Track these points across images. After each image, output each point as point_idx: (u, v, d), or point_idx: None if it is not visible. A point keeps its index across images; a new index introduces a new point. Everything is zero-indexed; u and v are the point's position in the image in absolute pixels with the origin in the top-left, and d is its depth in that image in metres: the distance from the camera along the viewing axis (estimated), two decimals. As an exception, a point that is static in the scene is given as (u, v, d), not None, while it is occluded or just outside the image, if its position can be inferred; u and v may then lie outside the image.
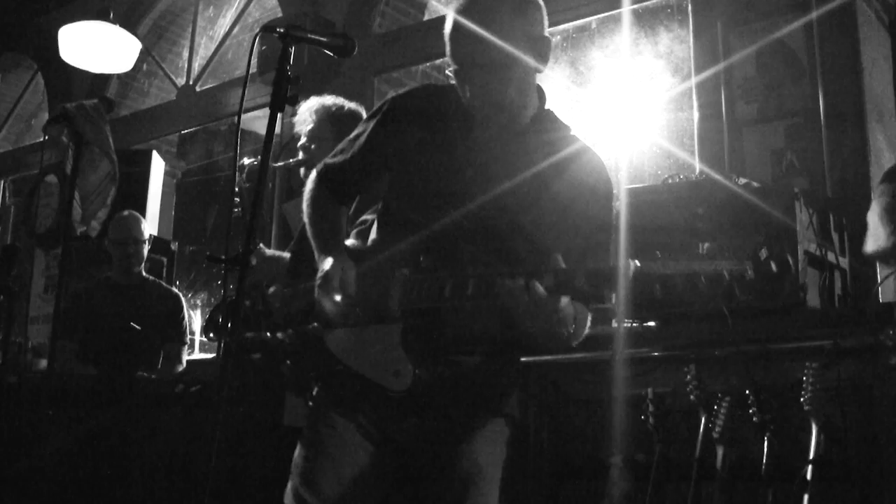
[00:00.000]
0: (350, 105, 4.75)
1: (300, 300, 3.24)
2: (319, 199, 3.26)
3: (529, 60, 2.86)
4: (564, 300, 2.55)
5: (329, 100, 4.68)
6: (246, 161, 5.17)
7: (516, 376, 3.05)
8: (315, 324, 3.14)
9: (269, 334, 3.44)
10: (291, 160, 4.87)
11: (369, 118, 3.21)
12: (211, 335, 5.54)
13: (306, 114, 4.69)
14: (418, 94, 3.18)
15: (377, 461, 2.98)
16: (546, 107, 3.06)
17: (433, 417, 2.91)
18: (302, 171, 4.63)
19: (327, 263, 3.00)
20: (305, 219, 3.27)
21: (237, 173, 5.03)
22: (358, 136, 3.20)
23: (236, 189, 5.23)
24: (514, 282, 2.54)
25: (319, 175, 3.28)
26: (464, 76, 2.88)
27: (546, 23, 2.95)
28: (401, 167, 3.10)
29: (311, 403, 3.12)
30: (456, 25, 2.87)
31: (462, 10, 2.86)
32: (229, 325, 5.08)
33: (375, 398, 2.93)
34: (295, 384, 3.26)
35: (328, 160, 3.27)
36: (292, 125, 4.83)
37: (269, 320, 4.24)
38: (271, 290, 3.54)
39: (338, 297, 2.93)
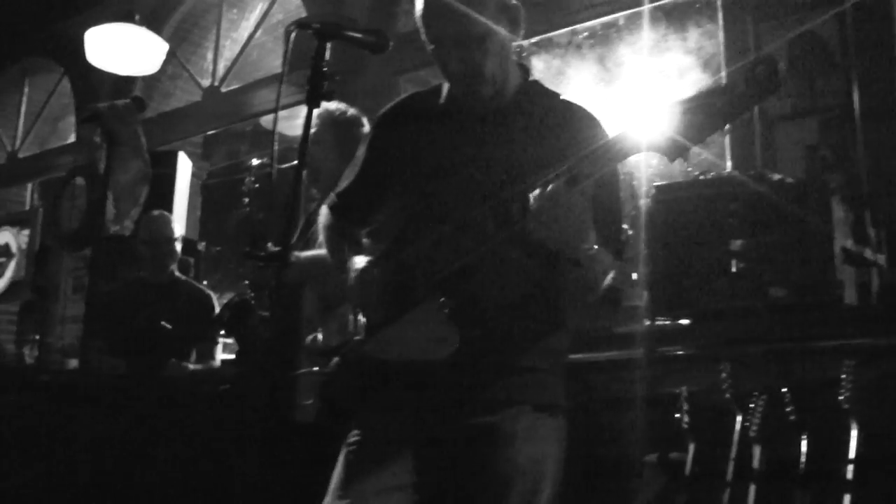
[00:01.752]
0: (352, 110, 4.80)
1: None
2: (334, 228, 3.34)
3: (503, 30, 2.89)
4: (580, 198, 2.57)
5: (331, 104, 4.68)
6: (254, 162, 5.20)
7: (557, 363, 3.03)
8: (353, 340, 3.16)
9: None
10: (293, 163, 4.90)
11: (364, 140, 3.28)
12: (222, 332, 5.57)
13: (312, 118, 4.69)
14: (404, 102, 3.24)
15: (416, 465, 2.95)
16: (531, 79, 3.10)
17: (469, 411, 2.88)
18: (273, 171, 4.65)
19: (358, 262, 3.06)
20: (326, 248, 3.36)
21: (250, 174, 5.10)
22: (357, 159, 3.27)
23: (245, 189, 5.26)
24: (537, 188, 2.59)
25: (329, 206, 3.35)
26: (441, 54, 2.91)
27: None
28: (407, 175, 3.11)
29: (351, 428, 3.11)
30: (427, 5, 2.90)
31: None
32: (237, 322, 5.13)
33: (418, 394, 2.92)
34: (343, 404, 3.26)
35: (336, 190, 3.34)
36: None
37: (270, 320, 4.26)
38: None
39: (371, 291, 2.99)
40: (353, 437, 3.05)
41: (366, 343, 3.10)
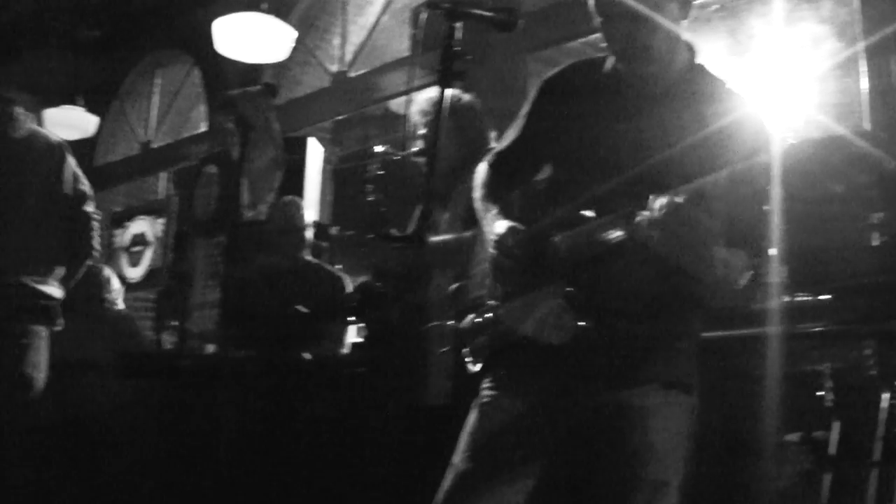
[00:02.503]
0: (468, 96, 4.82)
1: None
2: (489, 184, 3.33)
3: (673, 8, 2.86)
4: (706, 219, 2.54)
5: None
6: (378, 149, 5.20)
7: (689, 340, 3.01)
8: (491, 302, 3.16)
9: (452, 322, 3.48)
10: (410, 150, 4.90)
11: (526, 104, 3.27)
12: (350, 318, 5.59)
13: (427, 104, 4.68)
14: (567, 70, 3.24)
15: (544, 439, 2.96)
16: (697, 62, 3.05)
17: (600, 388, 2.89)
18: (422, 160, 4.63)
19: (500, 226, 3.06)
20: (476, 203, 3.33)
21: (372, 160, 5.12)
22: (519, 120, 3.28)
23: (368, 175, 5.27)
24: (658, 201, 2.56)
25: (488, 163, 3.36)
26: (609, 28, 2.91)
27: None
28: (562, 142, 3.11)
29: (482, 386, 3.13)
30: None
31: None
32: (365, 307, 5.15)
33: (546, 368, 2.95)
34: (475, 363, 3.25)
35: (495, 149, 3.38)
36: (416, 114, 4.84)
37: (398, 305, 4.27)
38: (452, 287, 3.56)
39: (510, 257, 2.99)
40: (487, 393, 3.09)
41: (499, 308, 3.12)
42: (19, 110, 4.94)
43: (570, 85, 3.17)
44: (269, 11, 8.39)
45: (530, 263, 2.98)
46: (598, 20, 2.93)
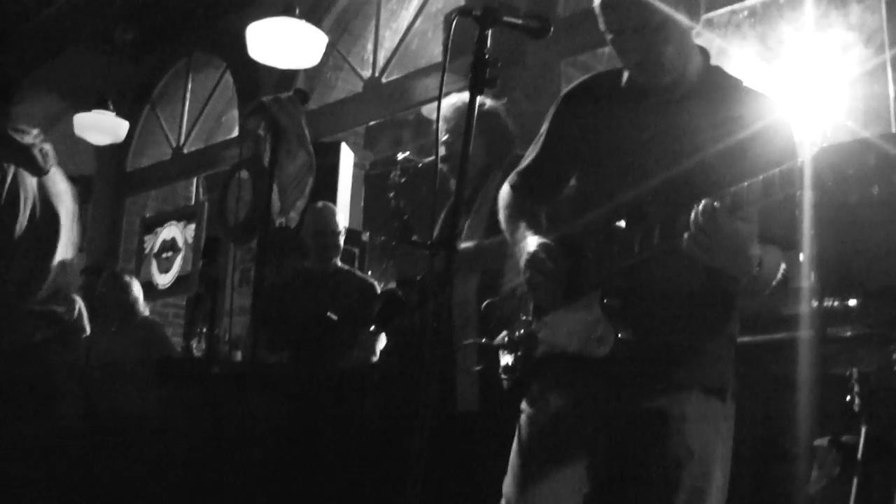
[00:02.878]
0: (491, 102, 4.76)
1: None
2: (515, 206, 3.36)
3: (682, 18, 2.88)
4: (743, 225, 2.56)
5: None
6: (400, 156, 5.21)
7: (726, 345, 3.01)
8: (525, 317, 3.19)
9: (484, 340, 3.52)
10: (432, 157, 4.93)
11: (546, 120, 3.30)
12: (373, 327, 5.61)
13: (449, 111, 4.70)
14: (587, 82, 3.28)
15: (587, 449, 2.99)
16: (713, 64, 3.08)
17: (639, 395, 2.90)
18: (445, 167, 4.64)
19: (531, 243, 3.07)
20: (503, 226, 3.36)
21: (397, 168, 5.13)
22: (539, 136, 3.31)
23: (390, 183, 5.28)
24: (695, 209, 2.57)
25: (512, 185, 3.39)
26: (621, 44, 2.93)
27: None
28: (586, 152, 3.15)
29: (524, 403, 3.16)
30: None
31: None
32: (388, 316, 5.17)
33: (585, 378, 2.96)
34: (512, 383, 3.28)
35: (517, 168, 3.39)
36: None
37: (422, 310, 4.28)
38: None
39: (543, 274, 3.00)
40: (528, 413, 3.12)
41: (534, 323, 3.14)
42: (47, 147, 4.95)
43: (592, 95, 3.20)
44: (302, 16, 8.42)
45: (565, 277, 3.01)
46: (609, 37, 2.96)
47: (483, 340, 3.53)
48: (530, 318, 3.19)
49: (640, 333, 2.87)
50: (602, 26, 2.97)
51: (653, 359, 2.89)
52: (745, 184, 2.53)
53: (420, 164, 5.19)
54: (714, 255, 2.61)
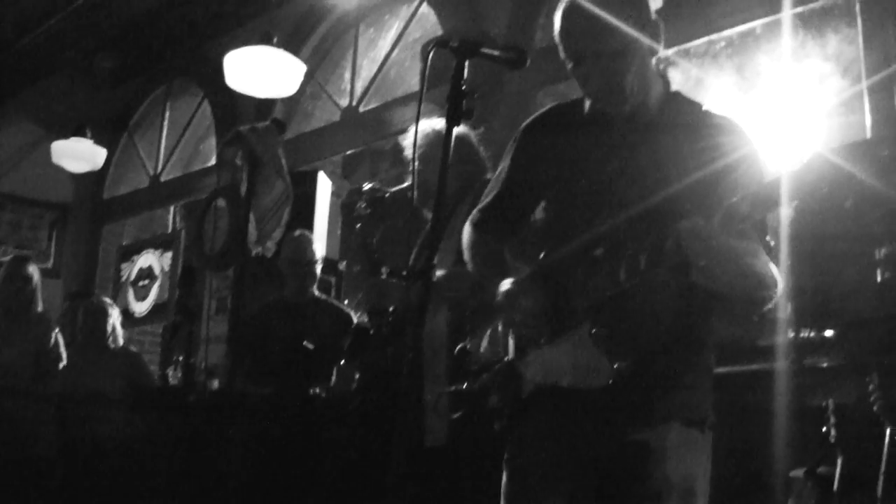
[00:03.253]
0: (462, 128, 4.71)
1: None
2: (479, 245, 3.34)
3: (643, 44, 2.88)
4: (738, 242, 2.58)
5: (439, 123, 4.65)
6: (366, 186, 5.20)
7: (704, 376, 3.01)
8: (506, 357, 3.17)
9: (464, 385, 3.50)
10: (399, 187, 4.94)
11: (506, 155, 3.28)
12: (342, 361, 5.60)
13: (419, 137, 4.68)
14: (547, 113, 3.26)
15: (573, 484, 2.98)
16: (672, 90, 3.08)
17: (626, 426, 2.89)
18: (414, 194, 4.63)
19: (504, 284, 3.05)
20: (470, 267, 3.35)
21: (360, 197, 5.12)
22: (500, 172, 3.30)
23: (356, 214, 5.26)
24: (684, 224, 2.57)
25: (473, 222, 3.37)
26: (582, 71, 2.92)
27: (652, 6, 2.97)
28: (551, 184, 3.13)
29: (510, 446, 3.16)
30: (566, 22, 2.92)
31: (570, 6, 2.90)
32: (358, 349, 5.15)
33: (575, 415, 2.95)
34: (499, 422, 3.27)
35: (478, 207, 3.36)
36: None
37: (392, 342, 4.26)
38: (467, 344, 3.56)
39: (523, 312, 2.98)
40: (513, 457, 3.11)
41: (517, 363, 3.11)
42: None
43: (553, 127, 3.20)
44: (280, 45, 8.42)
45: (548, 311, 3.00)
46: (569, 65, 2.95)
47: (458, 387, 3.52)
48: (512, 358, 3.16)
49: (631, 363, 2.85)
50: (562, 54, 2.96)
51: (641, 388, 2.88)
52: (734, 200, 2.53)
53: (387, 194, 5.18)
54: (717, 279, 2.63)
